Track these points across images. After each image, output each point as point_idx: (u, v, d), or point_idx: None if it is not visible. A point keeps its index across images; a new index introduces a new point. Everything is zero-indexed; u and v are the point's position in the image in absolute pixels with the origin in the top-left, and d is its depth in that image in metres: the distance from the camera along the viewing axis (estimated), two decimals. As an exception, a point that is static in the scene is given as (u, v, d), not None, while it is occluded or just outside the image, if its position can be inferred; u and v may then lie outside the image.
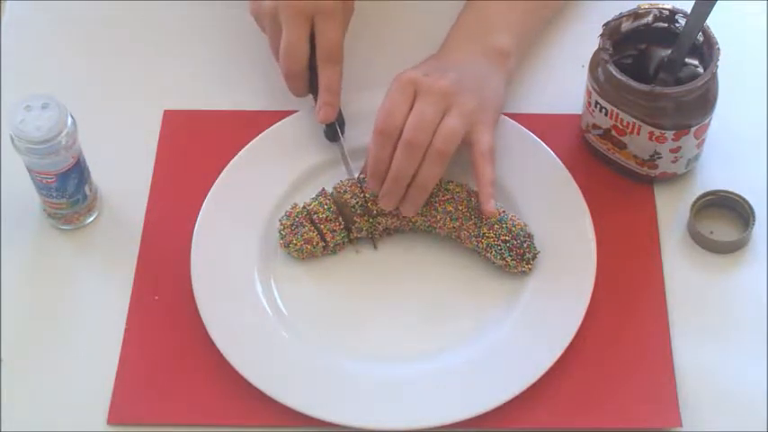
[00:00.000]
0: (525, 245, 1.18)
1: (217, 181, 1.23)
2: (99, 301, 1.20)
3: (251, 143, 1.25)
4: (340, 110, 1.24)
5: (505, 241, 1.17)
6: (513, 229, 1.18)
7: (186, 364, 1.15)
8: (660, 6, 1.20)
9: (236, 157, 1.24)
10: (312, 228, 1.19)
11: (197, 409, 1.13)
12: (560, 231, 1.20)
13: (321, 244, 1.19)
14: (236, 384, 1.13)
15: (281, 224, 1.20)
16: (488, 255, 1.18)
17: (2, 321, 1.18)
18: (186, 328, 1.16)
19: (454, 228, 1.19)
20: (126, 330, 1.17)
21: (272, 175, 1.24)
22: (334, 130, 1.24)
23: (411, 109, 1.16)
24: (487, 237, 1.18)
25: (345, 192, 1.20)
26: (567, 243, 1.19)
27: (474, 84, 1.19)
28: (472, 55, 1.22)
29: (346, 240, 1.21)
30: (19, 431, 1.13)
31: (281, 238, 1.20)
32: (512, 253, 1.17)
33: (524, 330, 1.15)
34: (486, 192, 1.17)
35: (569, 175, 1.22)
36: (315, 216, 1.19)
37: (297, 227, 1.19)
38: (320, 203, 1.19)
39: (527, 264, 1.18)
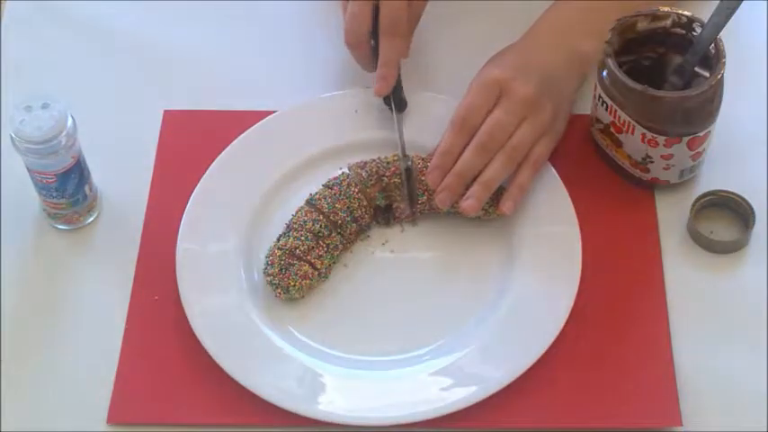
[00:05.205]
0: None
1: (200, 181, 1.23)
2: (99, 301, 1.20)
3: (231, 145, 1.25)
4: (401, 87, 1.24)
5: None
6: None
7: (186, 365, 1.15)
8: (679, 12, 1.19)
9: (216, 160, 1.24)
10: (302, 262, 1.18)
11: (197, 410, 1.13)
12: (546, 234, 1.20)
13: (316, 273, 1.18)
14: (236, 384, 1.13)
15: (269, 275, 1.17)
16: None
17: (2, 321, 1.18)
18: (186, 328, 1.16)
19: (423, 202, 1.20)
20: (126, 330, 1.17)
21: (256, 174, 1.24)
22: (388, 104, 1.24)
23: (491, 109, 1.18)
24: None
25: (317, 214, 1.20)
26: (553, 245, 1.19)
27: (554, 95, 1.21)
28: (556, 62, 1.22)
29: (333, 261, 1.20)
30: (19, 431, 1.13)
31: (276, 288, 1.17)
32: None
33: (509, 331, 1.15)
34: (511, 192, 1.19)
35: (559, 181, 1.22)
36: (297, 251, 1.18)
37: (287, 268, 1.17)
38: (295, 237, 1.18)
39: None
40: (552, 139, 1.22)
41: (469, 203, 1.17)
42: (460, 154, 1.18)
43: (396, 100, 1.24)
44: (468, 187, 1.18)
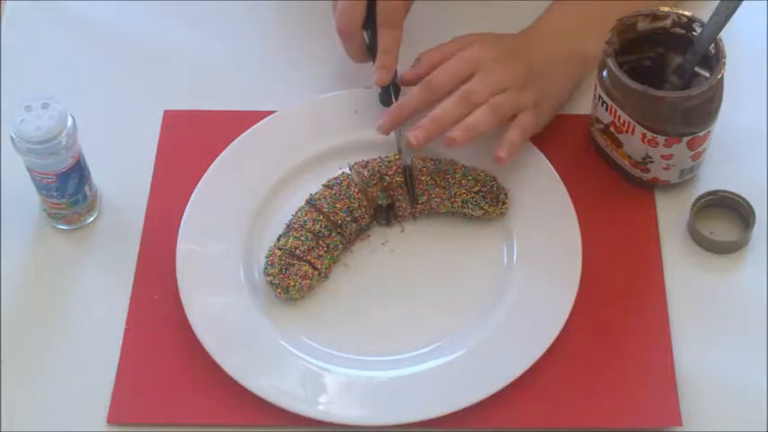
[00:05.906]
0: (495, 188, 1.20)
1: (200, 181, 1.23)
2: (99, 301, 1.20)
3: (231, 145, 1.25)
4: (396, 76, 1.24)
5: (477, 191, 1.20)
6: (479, 177, 1.20)
7: (186, 364, 1.15)
8: (679, 12, 1.19)
9: (216, 160, 1.24)
10: (302, 262, 1.18)
11: (197, 410, 1.13)
12: (546, 234, 1.20)
13: (316, 273, 1.18)
14: (236, 384, 1.13)
15: (269, 275, 1.17)
16: (466, 210, 1.20)
17: (2, 321, 1.18)
18: (186, 327, 1.16)
19: (423, 203, 1.20)
20: (126, 330, 1.17)
21: (256, 174, 1.24)
22: (388, 94, 1.25)
23: (464, 80, 1.19)
24: (460, 194, 1.20)
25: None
26: (553, 245, 1.19)
27: (540, 87, 1.21)
28: (552, 57, 1.23)
29: (333, 261, 1.20)
30: (19, 431, 1.13)
31: (276, 288, 1.17)
32: (486, 199, 1.20)
33: (509, 331, 1.15)
34: (503, 145, 1.18)
35: (559, 181, 1.22)
36: (297, 251, 1.18)
37: (287, 268, 1.17)
38: (295, 237, 1.19)
39: (503, 204, 1.20)
40: (534, 120, 1.21)
41: (454, 135, 1.17)
42: (413, 112, 1.19)
43: (395, 90, 1.25)
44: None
